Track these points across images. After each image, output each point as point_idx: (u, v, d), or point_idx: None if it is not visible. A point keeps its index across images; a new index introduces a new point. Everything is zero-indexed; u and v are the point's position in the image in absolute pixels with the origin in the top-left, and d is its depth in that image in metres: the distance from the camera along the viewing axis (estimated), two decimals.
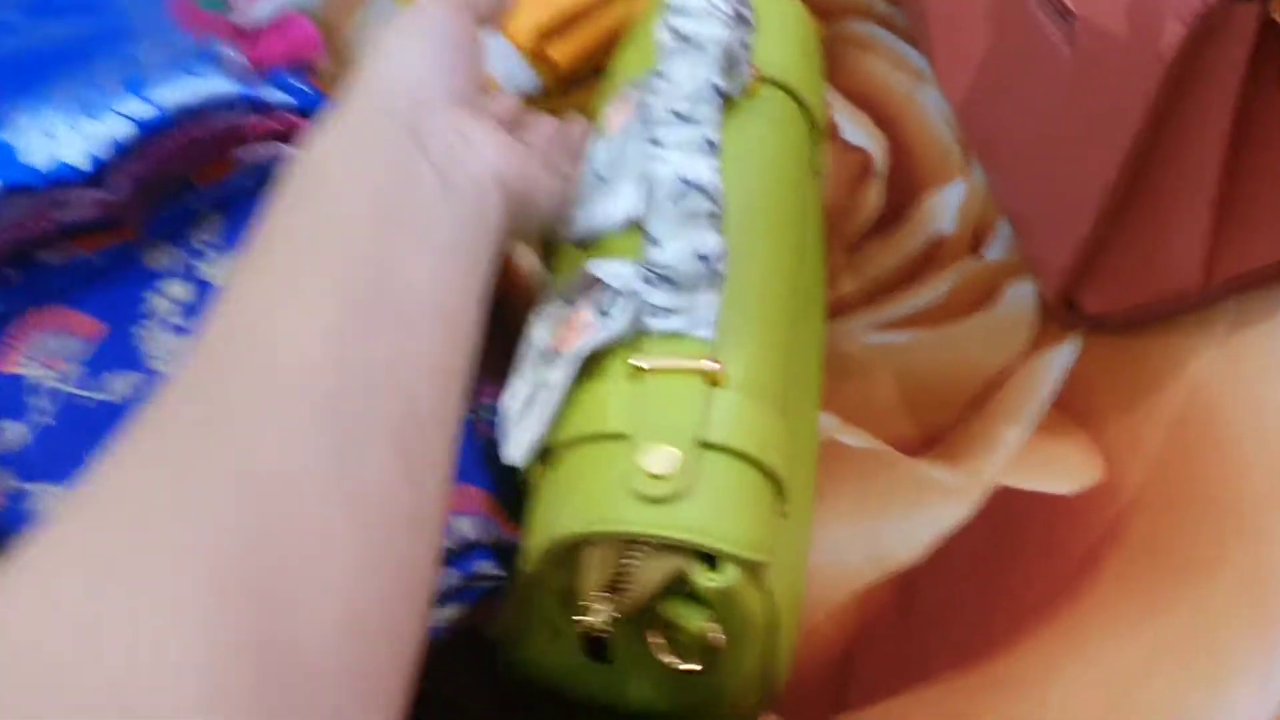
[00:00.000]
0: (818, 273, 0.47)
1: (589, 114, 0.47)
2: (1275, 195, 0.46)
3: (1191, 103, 0.42)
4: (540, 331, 0.38)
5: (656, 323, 0.34)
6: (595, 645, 0.34)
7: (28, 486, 0.42)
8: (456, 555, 0.35)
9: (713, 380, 0.34)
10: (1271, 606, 0.43)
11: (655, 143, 0.33)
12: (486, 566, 0.36)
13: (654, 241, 0.33)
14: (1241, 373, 0.49)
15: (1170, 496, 0.46)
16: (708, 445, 0.33)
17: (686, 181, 0.33)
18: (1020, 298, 0.51)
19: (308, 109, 0.48)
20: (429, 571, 0.29)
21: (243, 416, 0.27)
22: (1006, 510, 0.47)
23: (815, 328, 0.47)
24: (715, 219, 0.33)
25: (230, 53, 0.47)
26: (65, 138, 0.44)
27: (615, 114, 0.39)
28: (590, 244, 0.39)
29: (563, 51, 0.50)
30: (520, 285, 0.52)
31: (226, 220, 0.48)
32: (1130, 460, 0.47)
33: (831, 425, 0.48)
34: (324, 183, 0.32)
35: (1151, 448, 0.47)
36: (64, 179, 0.44)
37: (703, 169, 0.33)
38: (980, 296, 0.51)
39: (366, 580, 0.26)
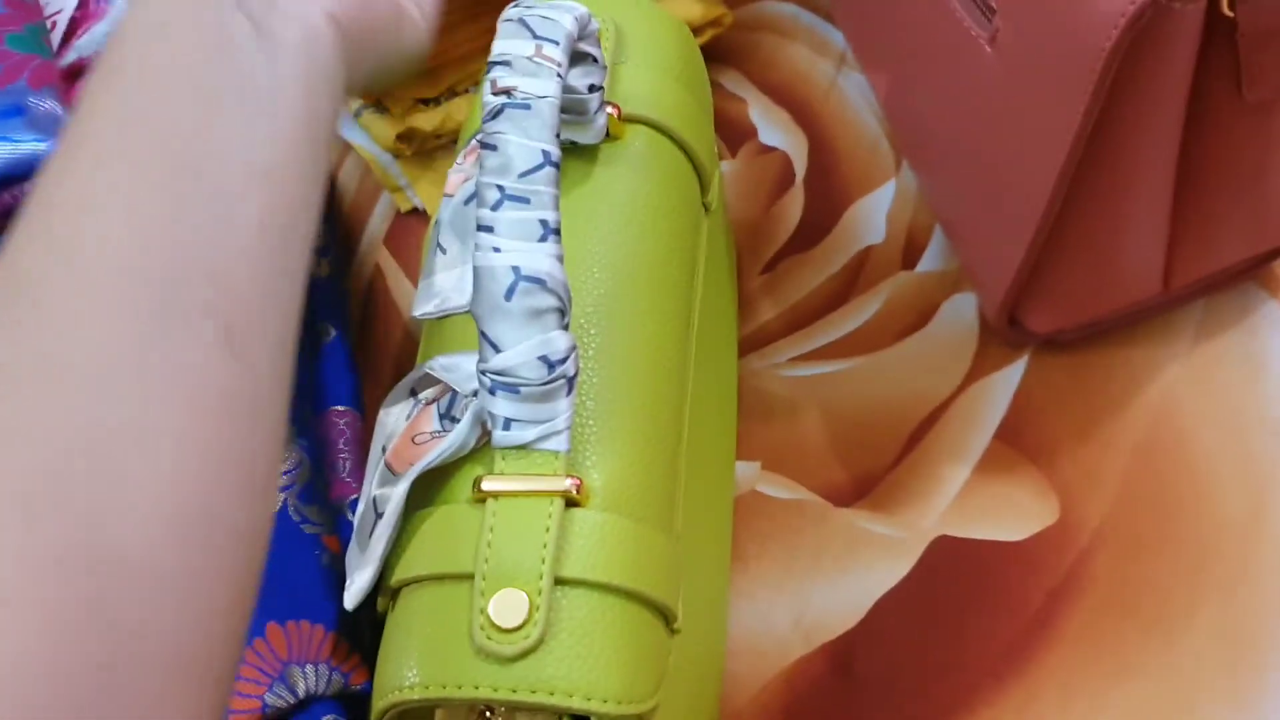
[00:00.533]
0: (727, 312, 0.42)
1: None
2: (1235, 193, 0.40)
3: (1136, 102, 0.36)
4: (388, 432, 0.32)
5: (503, 435, 0.29)
6: None
7: None
8: (296, 710, 0.31)
9: (570, 500, 0.28)
10: (1251, 662, 0.39)
11: (486, 229, 0.28)
12: None
13: (492, 345, 0.28)
14: (1212, 385, 0.44)
15: (1136, 535, 0.41)
16: (564, 581, 0.28)
17: (523, 275, 0.27)
18: (959, 315, 0.46)
19: None
20: (271, 461, 0.28)
21: (46, 313, 0.25)
22: (951, 562, 0.42)
23: (723, 372, 0.42)
24: (560, 314, 0.28)
25: (47, 100, 0.42)
26: None
27: (458, 170, 0.34)
28: (438, 323, 0.34)
29: None
30: (398, 331, 0.47)
31: None
32: (1088, 496, 0.42)
33: (751, 475, 0.43)
34: (127, 54, 0.30)
35: (1112, 480, 0.43)
36: None
37: (540, 259, 0.27)
38: (914, 316, 0.46)
39: (196, 473, 0.25)
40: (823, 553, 0.42)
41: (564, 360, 0.28)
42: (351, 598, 0.30)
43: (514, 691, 0.27)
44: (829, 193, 0.49)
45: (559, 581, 0.28)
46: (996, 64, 0.38)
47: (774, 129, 0.50)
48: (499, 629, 0.27)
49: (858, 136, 0.50)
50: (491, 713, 0.28)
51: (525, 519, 0.28)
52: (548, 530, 0.28)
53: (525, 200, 0.28)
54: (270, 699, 0.30)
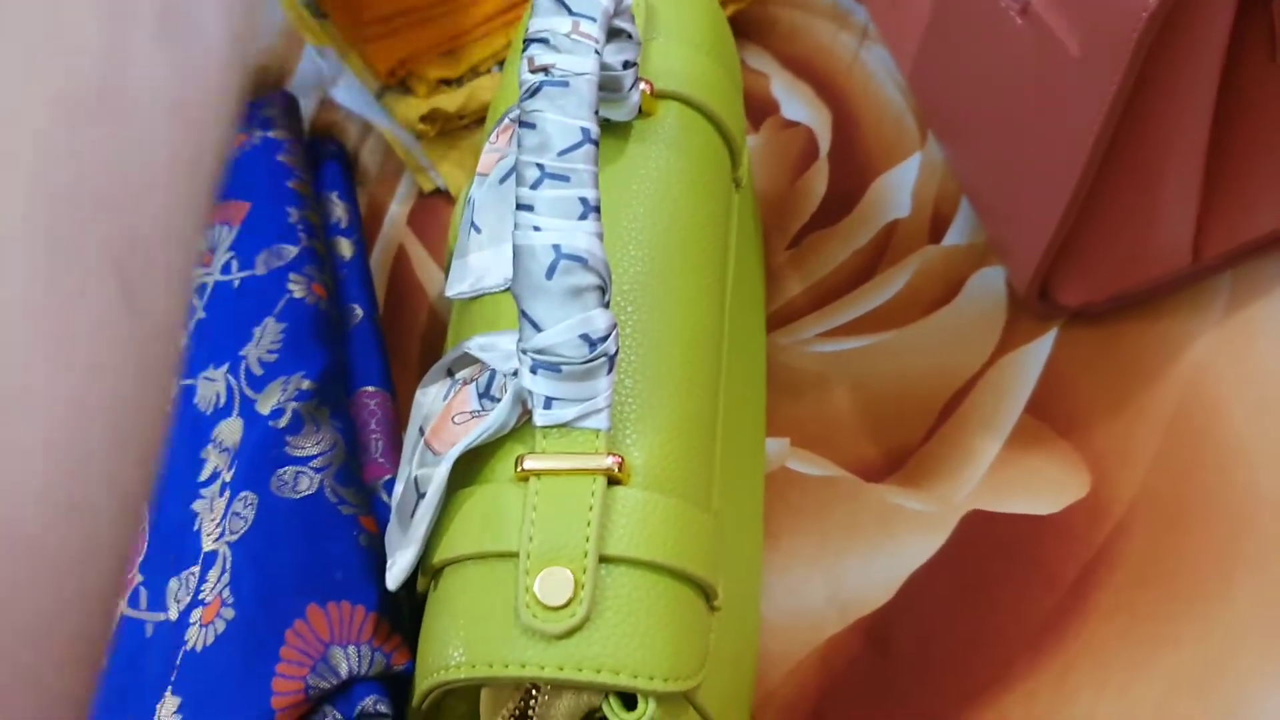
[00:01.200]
0: (755, 289, 0.42)
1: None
2: (1267, 163, 0.40)
3: (1171, 72, 0.36)
4: (425, 413, 0.32)
5: (544, 414, 0.29)
6: None
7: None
8: (338, 692, 0.31)
9: (612, 478, 0.28)
10: None
11: (526, 208, 0.28)
12: (373, 703, 0.31)
13: (533, 324, 0.28)
14: (1245, 356, 0.44)
15: (1169, 508, 0.41)
16: (609, 559, 0.28)
17: (563, 254, 0.27)
18: (987, 288, 0.46)
19: None
20: (158, 420, 0.25)
21: None
22: (984, 536, 0.42)
23: (752, 349, 0.41)
24: (600, 292, 0.28)
25: None
26: None
27: (491, 149, 0.33)
28: (471, 304, 0.33)
29: None
30: (423, 313, 0.46)
31: None
32: (1121, 470, 0.42)
33: (782, 451, 0.43)
34: None
35: (1144, 454, 0.42)
36: None
37: (580, 237, 0.27)
38: (942, 289, 0.46)
39: (79, 435, 0.23)
40: (855, 528, 0.42)
41: (605, 339, 0.28)
42: (394, 578, 0.30)
43: (561, 669, 0.27)
44: (853, 167, 0.48)
45: (603, 559, 0.28)
46: (1028, 34, 0.38)
47: (797, 103, 0.50)
48: (545, 607, 0.27)
49: (881, 109, 0.49)
50: (537, 691, 0.28)
51: (568, 497, 0.28)
52: (591, 508, 0.28)
53: (565, 178, 0.28)
54: (312, 680, 0.30)
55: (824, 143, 0.49)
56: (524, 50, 0.29)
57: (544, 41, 0.29)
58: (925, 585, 0.41)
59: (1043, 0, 0.36)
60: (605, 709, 0.28)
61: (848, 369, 0.45)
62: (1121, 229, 0.41)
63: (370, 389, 0.40)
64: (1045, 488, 0.42)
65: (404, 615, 0.33)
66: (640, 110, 0.32)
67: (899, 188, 0.48)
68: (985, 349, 0.45)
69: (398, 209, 0.49)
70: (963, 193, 0.47)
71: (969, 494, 0.42)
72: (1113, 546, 0.41)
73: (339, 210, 0.46)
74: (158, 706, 0.31)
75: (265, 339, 0.38)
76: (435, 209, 0.49)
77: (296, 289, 0.39)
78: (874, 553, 0.42)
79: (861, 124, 0.49)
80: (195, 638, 0.32)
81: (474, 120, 0.48)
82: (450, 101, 0.46)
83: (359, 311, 0.42)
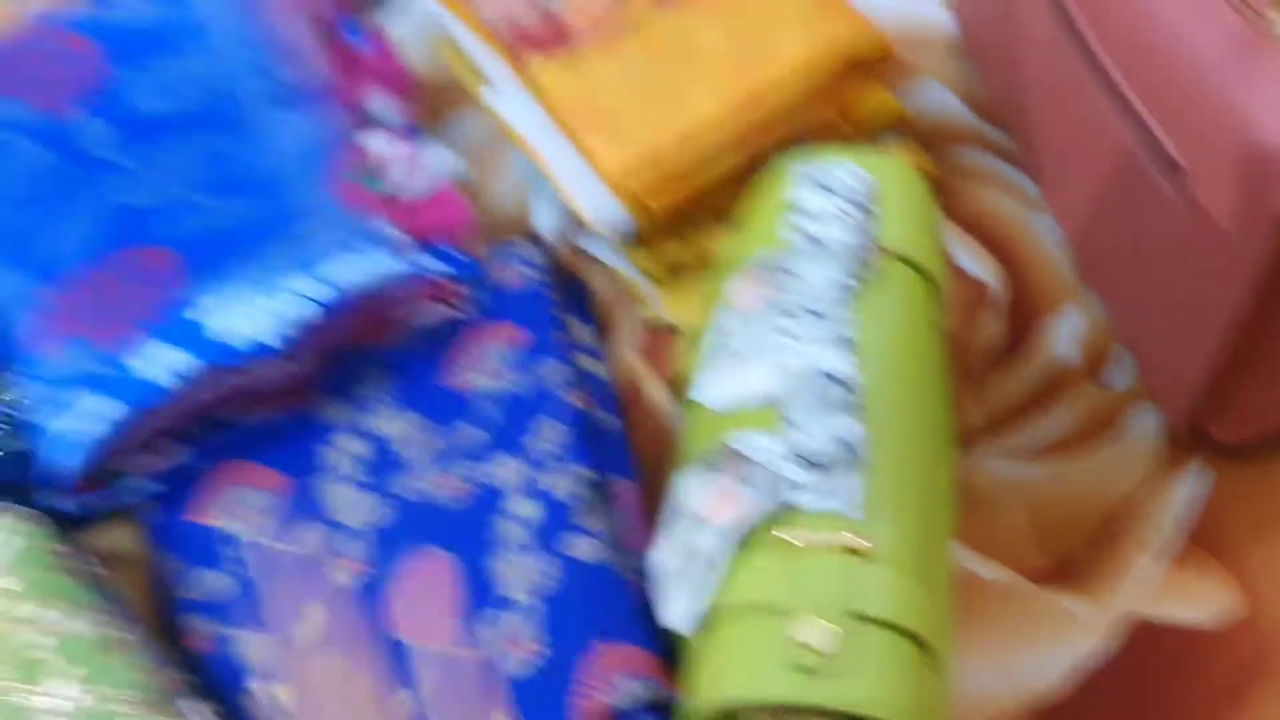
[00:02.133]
0: (947, 411, 0.50)
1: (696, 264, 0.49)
2: None
3: None
4: (686, 495, 0.41)
5: (802, 500, 0.37)
6: None
7: (229, 631, 0.47)
8: (626, 715, 0.39)
9: (861, 555, 0.36)
10: None
11: (792, 335, 0.36)
12: None
13: (795, 426, 0.36)
14: None
15: None
16: (862, 618, 0.35)
17: (826, 375, 0.36)
18: (1143, 424, 0.53)
19: (462, 275, 0.52)
20: None
21: None
22: (1142, 641, 0.48)
23: (948, 462, 0.49)
24: (854, 408, 0.36)
25: (391, 229, 0.52)
26: (253, 317, 0.49)
27: (743, 290, 0.42)
28: (725, 413, 0.42)
29: (653, 193, 0.54)
30: (649, 423, 0.55)
31: (391, 377, 0.52)
32: (1273, 590, 0.48)
33: (963, 556, 0.50)
34: None
35: None
36: (258, 356, 0.48)
37: (840, 362, 0.36)
38: (1104, 424, 0.53)
39: None
40: (1028, 627, 0.49)
41: (857, 443, 0.36)
42: (679, 621, 0.37)
43: (814, 698, 0.35)
44: (1022, 312, 0.56)
45: (853, 615, 0.35)
46: (1183, 212, 0.45)
47: (970, 257, 0.58)
48: (806, 648, 0.35)
49: (1045, 265, 0.57)
50: (797, 718, 0.36)
51: (828, 565, 0.36)
52: (845, 576, 0.36)
53: (827, 317, 0.36)
54: (607, 702, 0.38)
55: (995, 291, 0.57)
56: (789, 215, 0.38)
57: (807, 212, 0.38)
58: (1091, 680, 0.47)
59: (1198, 186, 0.44)
60: None
61: (1020, 489, 0.52)
62: (1271, 375, 0.48)
63: (626, 481, 0.48)
64: (1201, 600, 0.48)
65: (670, 653, 0.41)
66: (877, 269, 0.41)
67: (1062, 334, 0.55)
68: (1143, 477, 0.51)
69: (628, 338, 0.58)
70: (1120, 340, 0.55)
71: (1130, 601, 0.49)
72: (1266, 657, 0.47)
73: (586, 335, 0.55)
74: None
75: (550, 437, 0.47)
76: (661, 338, 0.58)
77: (572, 398, 0.48)
78: (1045, 649, 0.48)
79: (1028, 277, 0.57)
80: (515, 666, 0.40)
81: (699, 267, 0.57)
82: (681, 252, 0.56)
83: (609, 418, 0.51)
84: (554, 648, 0.40)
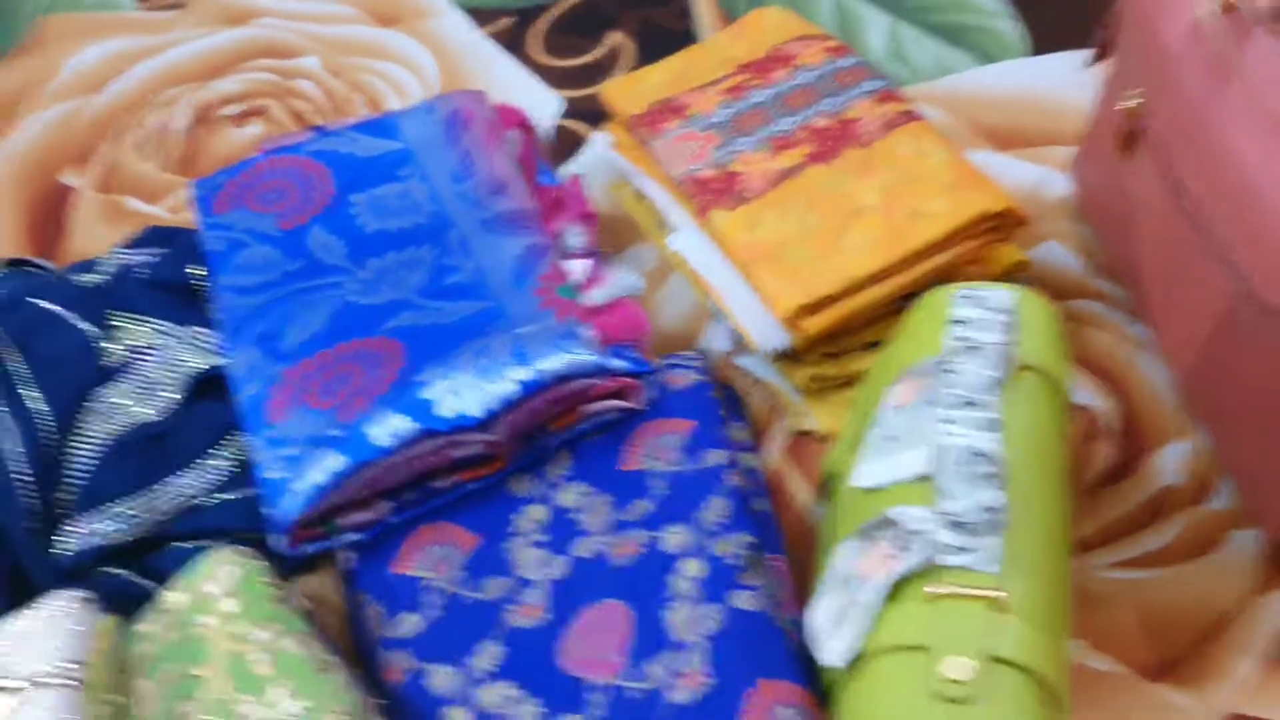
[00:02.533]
0: (1067, 515, 0.56)
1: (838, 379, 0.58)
2: None
3: None
4: (844, 560, 0.48)
5: (948, 558, 0.43)
6: None
7: (423, 665, 0.54)
8: None
9: (998, 607, 0.43)
10: None
11: (948, 421, 0.44)
12: None
13: (947, 495, 0.43)
14: None
15: None
16: (998, 659, 0.42)
17: (976, 452, 0.43)
18: (1244, 543, 0.58)
19: (638, 373, 0.61)
20: None
21: None
22: None
23: (1068, 543, 0.55)
24: (998, 479, 0.43)
25: (586, 330, 0.61)
26: (468, 395, 0.58)
27: (904, 391, 0.50)
28: (878, 492, 0.49)
29: (815, 324, 0.62)
30: (789, 515, 0.62)
31: (574, 458, 0.61)
32: None
33: (1077, 649, 0.56)
34: None
35: None
36: (462, 426, 0.57)
37: (988, 442, 0.43)
38: (1206, 541, 0.59)
39: None
40: (1133, 713, 0.54)
41: (999, 510, 0.43)
42: (837, 656, 0.44)
43: None
44: (1133, 442, 0.63)
45: (991, 658, 0.42)
46: (1275, 345, 0.52)
47: (1084, 391, 0.65)
48: (951, 681, 0.41)
49: (1154, 402, 0.64)
50: None
51: (967, 614, 0.42)
52: (984, 623, 0.42)
53: (978, 405, 0.44)
54: None
55: (1109, 422, 0.64)
56: (950, 327, 0.46)
57: (965, 321, 0.45)
58: None
59: None
60: None
61: (1130, 592, 0.57)
62: None
63: (776, 555, 0.55)
64: None
65: (824, 699, 0.47)
66: (1018, 369, 0.49)
67: (1171, 461, 0.62)
68: (1244, 588, 0.57)
69: (777, 440, 0.66)
70: (1223, 468, 0.61)
71: (1229, 699, 0.53)
72: None
73: (743, 434, 0.63)
74: None
75: (716, 510, 0.54)
76: (804, 444, 0.66)
77: (734, 479, 0.56)
78: None
79: (1138, 412, 0.64)
80: (679, 694, 0.47)
81: (843, 383, 0.65)
82: (833, 368, 0.64)
83: (763, 502, 0.58)
84: (719, 679, 0.46)
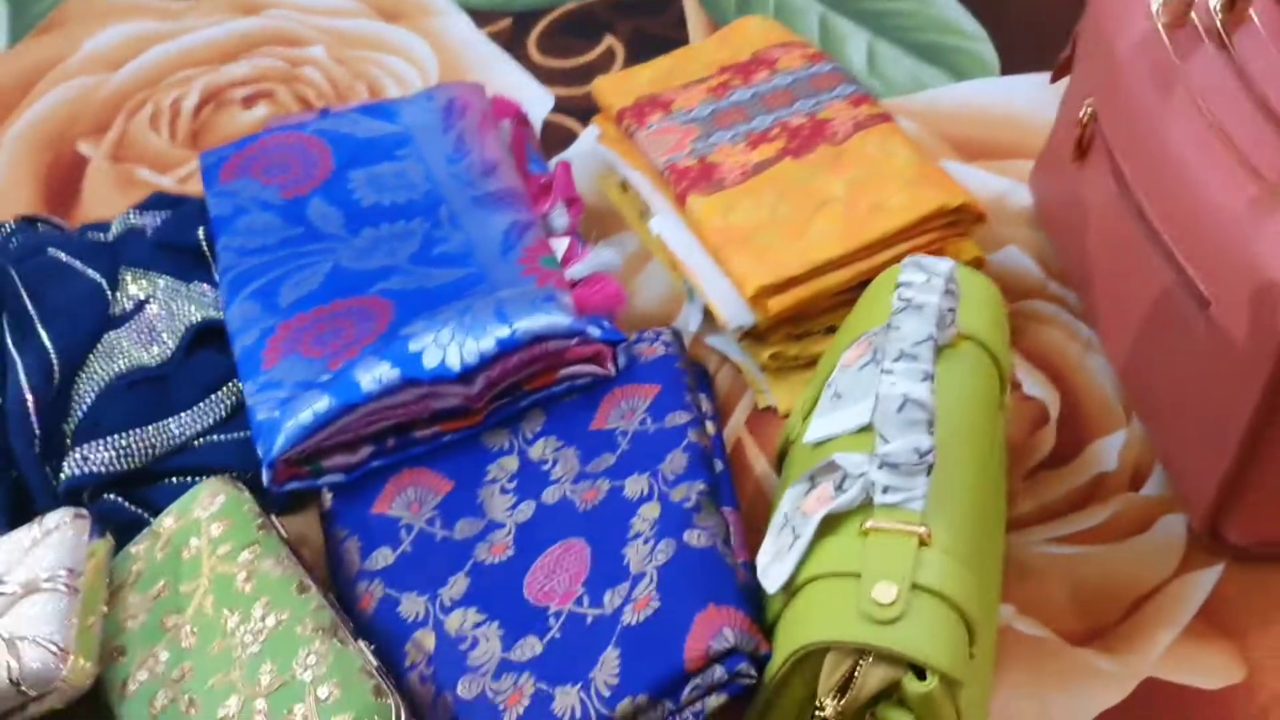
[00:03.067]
0: (1000, 490, 0.60)
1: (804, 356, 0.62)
2: None
3: None
4: (789, 503, 0.51)
5: (881, 497, 0.47)
6: None
7: (393, 593, 0.57)
8: (723, 656, 0.48)
9: (921, 541, 0.46)
10: None
11: (887, 372, 0.47)
12: (745, 668, 0.48)
13: (883, 439, 0.47)
14: None
15: None
16: (920, 587, 0.45)
17: (909, 399, 0.47)
18: (1172, 526, 0.62)
19: (611, 341, 0.65)
20: None
21: None
22: (1157, 696, 0.56)
23: (998, 534, 0.59)
24: (929, 425, 0.47)
25: (564, 295, 0.65)
26: (450, 349, 0.61)
27: (853, 353, 0.54)
28: (825, 444, 0.53)
29: (779, 304, 0.66)
30: (747, 483, 0.66)
31: (547, 416, 0.64)
32: (1271, 667, 0.56)
33: (1009, 614, 0.59)
34: None
35: None
36: (443, 378, 0.61)
37: (921, 391, 0.47)
38: (1137, 523, 0.62)
39: None
40: (1060, 675, 0.57)
41: (928, 453, 0.47)
42: (773, 583, 0.47)
43: (884, 642, 0.44)
44: (1075, 432, 0.66)
45: (914, 585, 0.45)
46: (1209, 338, 0.56)
47: (1034, 384, 0.69)
48: (878, 604, 0.44)
49: (1097, 396, 0.68)
50: (863, 660, 0.45)
51: (895, 546, 0.46)
52: (908, 554, 0.46)
53: (915, 358, 0.48)
54: (711, 646, 0.47)
55: (1053, 412, 0.68)
56: (898, 290, 0.50)
57: (910, 284, 0.49)
58: None
59: (1219, 310, 0.55)
60: (905, 679, 0.44)
61: (1062, 566, 0.61)
62: (1275, 486, 0.57)
63: (730, 509, 0.59)
64: (1208, 671, 0.57)
65: (762, 617, 0.50)
66: (953, 339, 0.52)
67: (1108, 450, 0.65)
68: (1168, 568, 0.60)
69: (740, 415, 0.70)
70: (1157, 457, 0.64)
71: (1148, 665, 0.57)
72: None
73: (706, 404, 0.66)
74: (601, 656, 0.49)
75: (675, 462, 0.58)
76: (765, 418, 0.69)
77: (693, 436, 0.59)
78: (1074, 695, 0.56)
79: (1082, 405, 0.68)
80: (630, 617, 0.50)
81: (805, 364, 0.68)
82: (793, 349, 0.68)
83: (721, 462, 0.62)
84: (666, 602, 0.50)
